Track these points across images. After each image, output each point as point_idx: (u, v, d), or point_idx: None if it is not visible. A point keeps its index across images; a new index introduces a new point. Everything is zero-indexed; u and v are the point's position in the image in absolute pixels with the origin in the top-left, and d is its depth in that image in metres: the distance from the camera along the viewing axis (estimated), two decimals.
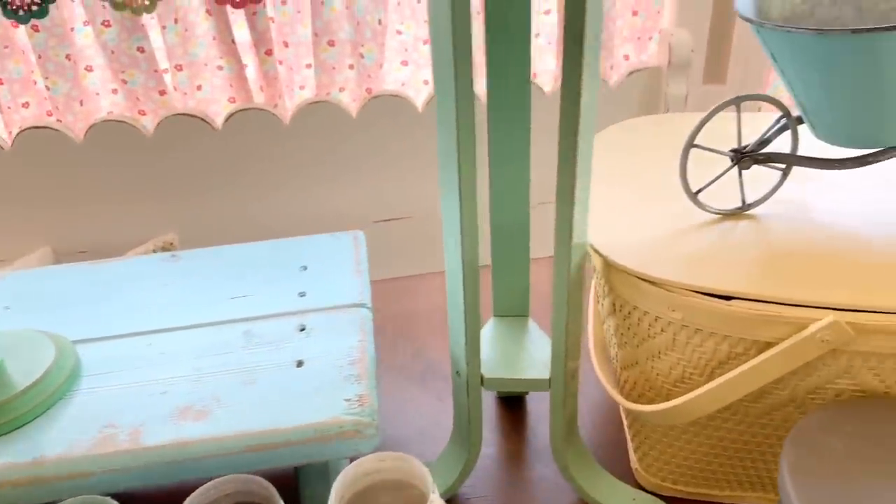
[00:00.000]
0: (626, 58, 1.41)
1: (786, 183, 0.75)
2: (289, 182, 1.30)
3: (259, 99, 1.21)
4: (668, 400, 0.72)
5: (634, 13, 1.35)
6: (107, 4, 1.02)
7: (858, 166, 0.67)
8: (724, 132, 0.75)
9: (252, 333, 0.79)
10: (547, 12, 1.39)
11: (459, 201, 0.65)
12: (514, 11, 0.69)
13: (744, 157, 0.72)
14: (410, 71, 1.62)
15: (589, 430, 0.97)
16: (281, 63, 1.21)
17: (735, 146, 0.72)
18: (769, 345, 0.64)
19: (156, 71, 1.13)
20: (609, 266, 0.71)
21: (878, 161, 0.67)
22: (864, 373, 0.64)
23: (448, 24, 0.58)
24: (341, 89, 1.27)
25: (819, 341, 0.61)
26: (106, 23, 1.07)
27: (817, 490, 0.55)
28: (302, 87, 1.28)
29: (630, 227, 0.74)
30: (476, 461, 0.85)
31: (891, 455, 0.58)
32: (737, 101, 0.70)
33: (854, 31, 0.57)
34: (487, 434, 0.97)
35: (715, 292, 0.65)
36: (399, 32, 1.47)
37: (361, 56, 1.25)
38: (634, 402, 0.78)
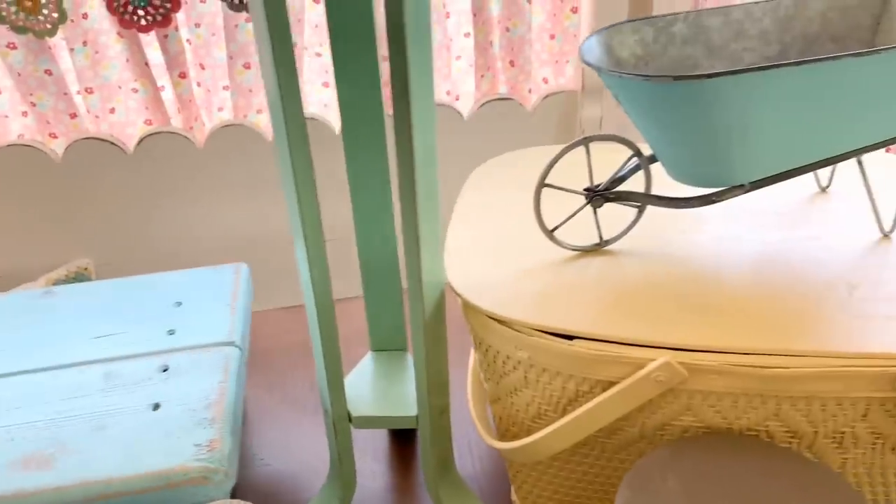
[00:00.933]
0: (545, 81, 1.43)
1: (654, 217, 0.77)
2: (204, 206, 1.29)
3: (177, 121, 1.20)
4: (529, 435, 0.72)
5: (552, 37, 1.37)
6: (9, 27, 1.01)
7: (704, 205, 0.68)
8: (610, 161, 0.76)
9: (112, 375, 0.77)
10: (467, 35, 1.40)
11: (303, 233, 0.64)
12: (360, 47, 0.69)
13: (596, 196, 0.72)
14: (332, 93, 1.62)
15: (475, 461, 0.97)
16: (199, 85, 1.20)
17: (589, 185, 0.73)
18: (612, 384, 0.64)
19: (65, 94, 1.11)
20: (465, 304, 0.71)
21: (722, 199, 0.68)
22: (706, 410, 0.65)
23: (269, 56, 0.57)
24: (258, 112, 1.26)
25: (654, 381, 0.62)
26: (11, 45, 1.05)
27: None
28: (220, 109, 1.27)
29: (490, 265, 0.74)
30: (351, 498, 0.84)
31: (725, 493, 0.59)
32: (585, 142, 0.71)
33: (676, 78, 0.59)
34: (376, 467, 0.97)
35: (558, 331, 0.65)
36: (318, 55, 1.48)
37: None
38: (503, 435, 0.78)
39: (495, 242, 0.78)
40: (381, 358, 0.86)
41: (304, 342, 1.24)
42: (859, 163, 0.72)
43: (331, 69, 1.89)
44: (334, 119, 1.40)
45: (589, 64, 0.65)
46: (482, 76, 1.44)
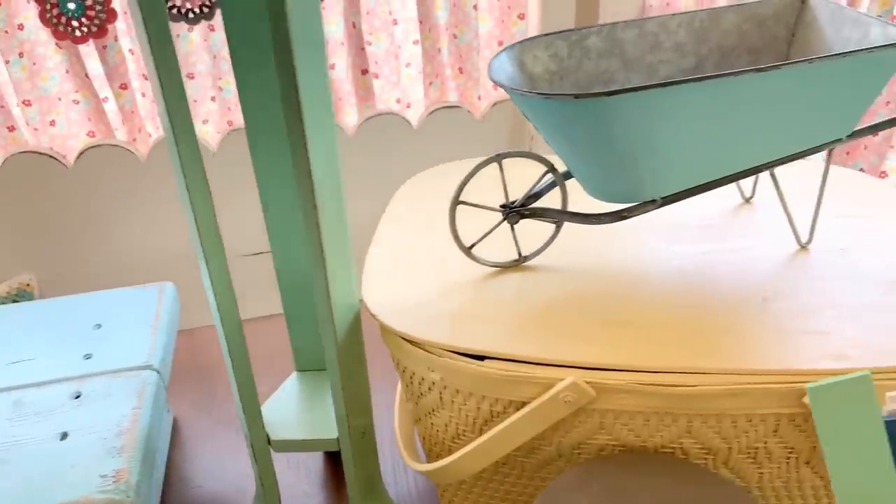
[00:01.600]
0: (495, 87, 1.43)
1: (576, 232, 0.76)
2: (148, 219, 1.27)
3: (121, 133, 1.18)
4: (450, 455, 0.71)
5: (500, 43, 1.37)
6: None
7: (615, 221, 0.68)
8: (534, 176, 0.75)
9: (22, 403, 0.75)
10: (416, 42, 1.39)
11: (203, 252, 0.63)
12: (259, 60, 0.67)
13: (511, 213, 0.72)
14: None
15: (409, 481, 0.96)
16: (144, 95, 1.18)
17: (505, 201, 0.73)
18: (524, 403, 0.63)
19: (2, 106, 1.08)
20: (381, 325, 0.70)
21: (633, 215, 0.68)
22: (619, 428, 0.64)
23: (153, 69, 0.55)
24: (204, 122, 1.24)
25: (563, 402, 0.61)
26: None
27: None
28: None
29: (408, 284, 0.73)
30: None
31: None
32: (498, 159, 0.70)
33: (577, 96, 0.58)
34: (308, 487, 0.95)
35: (469, 352, 0.64)
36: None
37: (220, 89, 1.23)
38: (428, 455, 0.77)
39: (416, 260, 0.77)
40: (305, 378, 0.85)
41: (255, 356, 1.22)
42: (772, 176, 0.72)
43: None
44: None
45: (495, 81, 0.64)
46: (431, 83, 1.43)
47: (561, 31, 0.72)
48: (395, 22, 1.43)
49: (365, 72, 1.69)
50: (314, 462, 0.98)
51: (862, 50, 0.62)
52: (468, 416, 0.68)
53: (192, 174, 0.58)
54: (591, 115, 0.59)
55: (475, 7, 1.34)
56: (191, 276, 1.20)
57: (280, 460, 0.98)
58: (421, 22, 1.35)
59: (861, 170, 1.46)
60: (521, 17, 1.35)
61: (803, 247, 0.76)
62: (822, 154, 0.73)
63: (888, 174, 1.51)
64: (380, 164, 1.59)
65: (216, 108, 1.24)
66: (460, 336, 0.65)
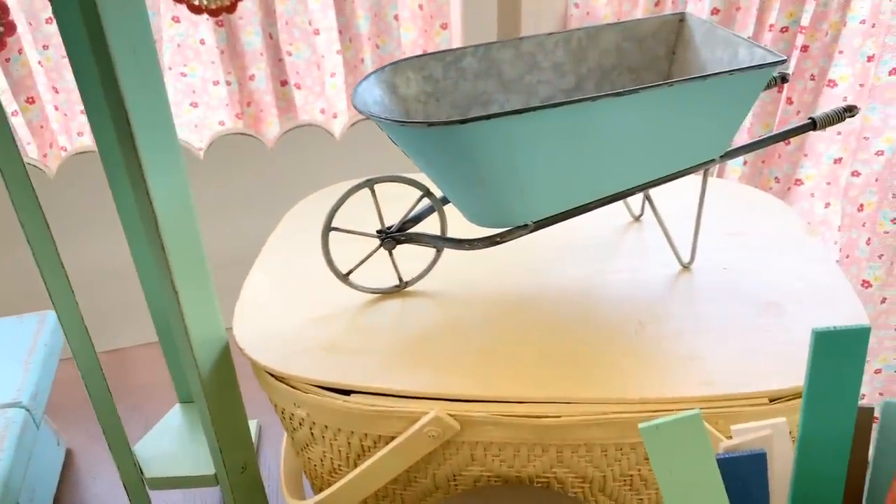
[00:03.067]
0: None
1: (461, 256, 0.75)
2: (61, 236, 1.22)
3: (32, 149, 1.14)
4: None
5: (424, 51, 1.35)
6: None
7: (488, 246, 0.67)
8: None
9: None
10: (339, 52, 1.37)
11: (46, 286, 0.59)
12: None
13: (387, 238, 0.70)
14: (203, 112, 1.56)
15: None
16: (57, 109, 1.14)
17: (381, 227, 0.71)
18: (392, 438, 0.62)
19: None
20: (249, 359, 0.67)
21: (506, 240, 0.66)
22: (491, 460, 0.63)
23: None
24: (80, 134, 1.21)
25: (427, 436, 0.59)
26: None
27: None
28: (80, 134, 1.22)
29: (283, 314, 0.71)
30: None
31: None
32: (369, 184, 0.68)
33: (430, 124, 0.56)
34: None
35: (335, 387, 0.62)
36: (184, 74, 1.43)
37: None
38: (312, 489, 0.75)
39: (296, 287, 0.75)
40: (187, 410, 0.82)
41: (136, 385, 1.18)
42: (647, 198, 0.71)
43: (199, 89, 1.83)
44: (198, 140, 1.36)
45: (355, 107, 0.62)
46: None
47: (435, 52, 0.71)
48: (316, 32, 1.40)
49: (284, 83, 1.66)
50: (212, 495, 0.95)
51: (721, 73, 0.61)
52: (340, 451, 0.66)
53: (22, 198, 0.55)
54: (447, 142, 0.58)
55: (396, 17, 1.32)
56: (115, 294, 1.16)
57: (175, 493, 0.95)
58: (341, 32, 1.33)
59: (776, 178, 1.48)
60: (444, 27, 1.34)
61: (685, 267, 0.76)
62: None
63: (803, 182, 1.54)
64: (301, 177, 1.57)
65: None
66: (327, 370, 0.63)
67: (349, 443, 0.64)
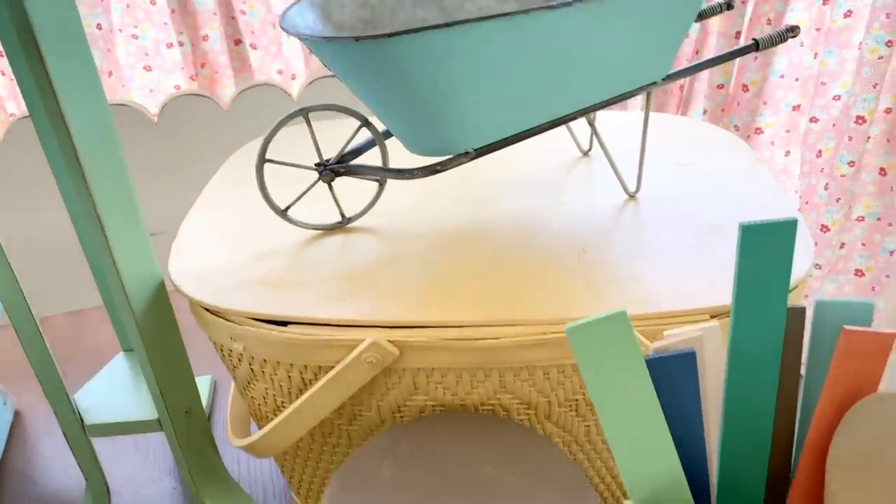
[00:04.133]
0: None
1: (408, 190, 0.73)
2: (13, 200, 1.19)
3: None
4: None
5: None
6: None
7: (429, 174, 0.65)
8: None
9: None
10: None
11: None
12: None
13: (325, 171, 0.68)
14: (156, 76, 1.53)
15: (261, 461, 0.92)
16: (3, 74, 1.11)
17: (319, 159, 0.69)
18: (332, 368, 0.60)
19: None
20: (185, 295, 0.65)
21: (447, 168, 0.65)
22: (433, 388, 0.62)
23: None
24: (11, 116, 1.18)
25: (366, 363, 0.58)
26: None
27: None
28: None
29: (221, 253, 0.69)
30: None
31: (441, 475, 0.56)
32: (303, 112, 0.66)
33: (357, 38, 0.54)
34: (156, 473, 0.91)
35: (271, 318, 0.61)
36: (135, 36, 1.40)
37: None
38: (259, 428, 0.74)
39: (234, 227, 0.73)
40: (129, 358, 0.80)
41: (91, 346, 1.15)
42: (590, 124, 0.70)
43: (152, 51, 1.78)
44: (154, 105, 1.33)
45: (283, 28, 0.60)
46: (311, 53, 1.40)
47: None
48: None
49: (238, 42, 1.63)
50: (163, 446, 0.94)
51: None
52: (282, 387, 0.64)
53: None
54: (378, 61, 0.56)
55: None
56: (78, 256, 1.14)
57: (127, 445, 0.93)
58: None
59: (735, 126, 1.48)
60: None
61: (632, 196, 0.75)
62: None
63: (763, 130, 1.54)
64: (256, 136, 1.54)
65: None
66: (263, 303, 0.62)
67: (290, 377, 0.63)
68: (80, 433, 0.71)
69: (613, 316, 0.42)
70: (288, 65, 1.88)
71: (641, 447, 0.44)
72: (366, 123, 0.68)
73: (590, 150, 0.84)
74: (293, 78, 1.81)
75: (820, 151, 1.45)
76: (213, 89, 1.74)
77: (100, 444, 0.92)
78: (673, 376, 0.43)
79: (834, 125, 1.42)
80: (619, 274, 0.63)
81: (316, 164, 0.69)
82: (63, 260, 1.26)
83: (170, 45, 1.71)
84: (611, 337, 0.42)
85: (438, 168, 0.65)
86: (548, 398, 0.63)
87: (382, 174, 0.67)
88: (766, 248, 0.42)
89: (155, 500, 0.86)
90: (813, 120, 1.45)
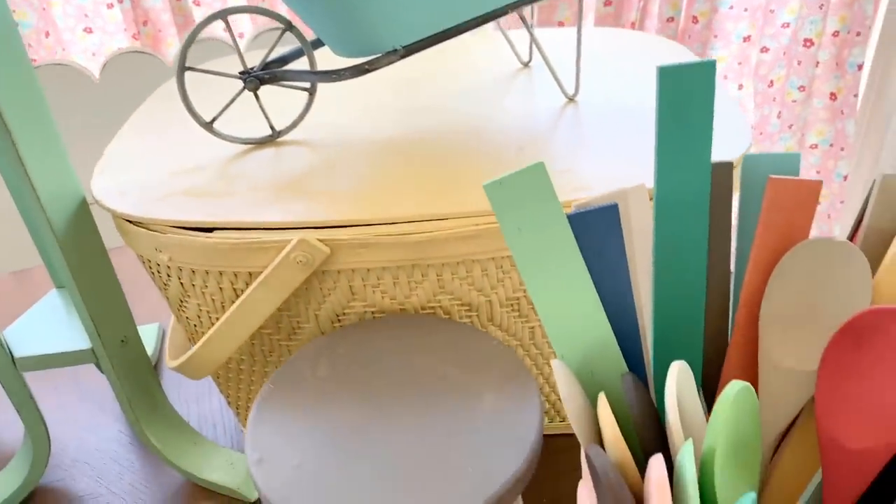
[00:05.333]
0: None
1: (346, 100, 0.71)
2: None
3: None
4: None
5: None
6: None
7: (357, 74, 0.63)
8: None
9: None
10: None
11: None
12: None
13: (249, 78, 0.66)
14: (98, 38, 1.49)
15: (219, 397, 0.90)
16: None
17: (247, 67, 0.67)
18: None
19: None
20: (110, 211, 0.63)
21: (375, 68, 0.63)
22: (371, 292, 0.60)
23: None
24: None
25: (296, 262, 0.56)
26: None
27: (274, 431, 0.51)
28: None
29: (146, 168, 0.66)
30: (46, 455, 0.75)
31: (378, 372, 0.54)
32: (222, 15, 0.64)
33: None
34: (102, 418, 0.88)
35: (196, 225, 0.58)
36: None
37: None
38: None
39: (162, 144, 0.70)
40: (63, 295, 0.77)
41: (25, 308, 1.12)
42: (529, 31, 0.68)
43: (91, 12, 1.72)
44: (97, 70, 1.29)
45: None
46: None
47: None
48: None
49: None
50: (107, 391, 0.91)
51: None
52: (214, 301, 0.62)
53: None
54: None
55: None
56: None
57: (71, 390, 0.91)
58: None
59: None
60: None
61: (571, 99, 0.73)
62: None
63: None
64: None
65: None
66: (187, 211, 0.59)
67: (221, 288, 0.61)
68: (10, 368, 0.68)
69: (531, 168, 0.40)
70: (234, 21, 1.83)
71: (568, 308, 0.42)
72: (290, 27, 0.66)
73: (530, 61, 0.82)
74: (241, 36, 1.77)
75: (772, 81, 1.45)
76: (156, 48, 1.69)
77: (40, 392, 0.89)
78: (596, 231, 0.42)
79: (784, 53, 1.42)
80: (556, 166, 0.62)
81: (240, 73, 0.66)
82: (5, 219, 1.22)
83: (110, 6, 1.66)
84: (530, 191, 0.40)
85: (367, 67, 0.63)
86: (488, 298, 0.62)
87: (310, 78, 0.65)
88: (685, 92, 0.41)
89: (101, 445, 0.84)
90: (763, 50, 1.45)
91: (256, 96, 0.67)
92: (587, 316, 0.42)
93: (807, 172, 1.42)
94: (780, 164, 0.45)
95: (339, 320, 0.63)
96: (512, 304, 0.62)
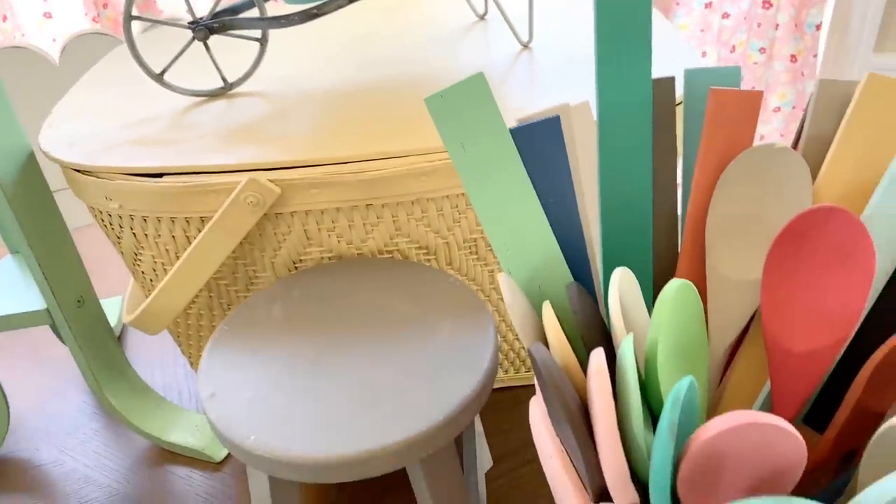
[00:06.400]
0: None
1: (300, 54, 0.70)
2: None
3: None
4: None
5: None
6: None
7: (307, 20, 0.62)
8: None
9: None
10: None
11: None
12: None
13: (198, 27, 0.65)
14: (57, 24, 1.46)
15: (183, 361, 0.89)
16: None
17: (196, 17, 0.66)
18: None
19: None
20: (60, 163, 0.62)
21: (324, 12, 0.62)
22: (326, 236, 0.60)
23: None
24: None
25: (246, 204, 0.56)
26: None
27: (222, 365, 0.50)
28: None
29: (96, 119, 0.65)
30: (6, 422, 0.74)
31: (334, 311, 0.54)
32: None
33: None
34: (59, 383, 0.87)
35: (145, 172, 0.58)
36: None
37: None
38: None
39: (111, 102, 0.69)
40: (18, 260, 0.76)
41: None
42: None
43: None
44: (58, 53, 1.26)
45: None
46: None
47: None
48: None
49: None
50: (69, 360, 0.90)
51: None
52: (168, 251, 0.61)
53: None
54: None
55: None
56: None
57: (32, 363, 0.90)
58: None
59: None
60: None
61: (525, 46, 0.73)
62: None
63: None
64: None
65: None
66: (137, 159, 0.58)
67: (173, 237, 0.60)
68: None
69: (471, 79, 0.40)
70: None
71: (513, 223, 0.42)
72: None
73: (485, 14, 0.82)
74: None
75: (734, 47, 1.46)
76: (117, 30, 1.67)
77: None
78: (539, 145, 0.42)
79: (745, 18, 1.43)
80: (509, 105, 0.61)
81: (189, 23, 0.65)
82: None
83: None
84: (471, 102, 0.40)
85: (316, 12, 0.62)
86: (445, 239, 0.61)
87: (259, 25, 0.64)
88: (622, 12, 0.41)
89: (64, 415, 0.83)
90: (725, 16, 1.46)
91: (207, 46, 0.66)
92: (533, 230, 0.42)
93: (772, 136, 1.43)
94: (722, 77, 0.45)
95: (295, 268, 0.62)
96: (469, 247, 0.62)
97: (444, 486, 0.46)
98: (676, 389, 0.30)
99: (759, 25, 1.37)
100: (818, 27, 1.32)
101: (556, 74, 0.67)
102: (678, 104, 0.57)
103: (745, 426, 0.29)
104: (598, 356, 0.33)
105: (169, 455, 0.76)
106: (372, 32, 0.82)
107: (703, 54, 1.55)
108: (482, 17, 0.82)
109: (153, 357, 0.90)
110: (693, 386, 0.31)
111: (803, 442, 0.30)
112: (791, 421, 0.41)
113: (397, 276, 0.57)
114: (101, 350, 0.72)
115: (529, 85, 0.65)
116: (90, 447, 0.78)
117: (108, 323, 0.72)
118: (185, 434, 0.75)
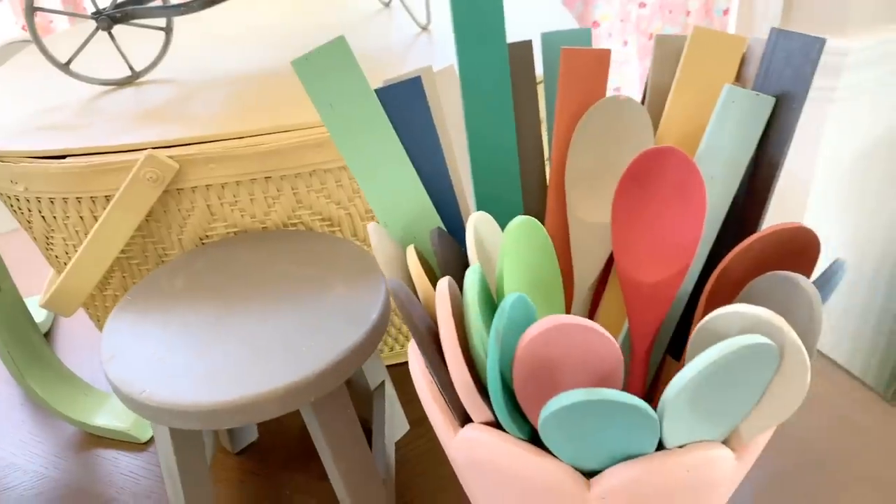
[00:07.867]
0: None
1: (205, 44, 0.72)
2: None
3: None
4: None
5: None
6: None
7: (207, 6, 0.65)
8: None
9: None
10: None
11: None
12: None
13: (101, 17, 0.67)
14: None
15: None
16: None
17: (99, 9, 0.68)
18: None
19: None
20: None
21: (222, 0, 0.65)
22: (229, 211, 0.62)
23: None
24: None
25: (146, 180, 0.58)
26: None
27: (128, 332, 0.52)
28: None
29: (5, 112, 0.67)
30: None
31: (235, 282, 0.56)
32: None
33: None
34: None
35: (48, 154, 0.59)
36: None
37: None
38: None
39: (25, 92, 0.71)
40: None
41: None
42: None
43: None
44: None
45: None
46: None
47: None
48: None
49: None
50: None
51: None
52: (77, 232, 0.63)
53: None
54: None
55: None
56: None
57: None
58: None
59: None
60: None
61: (424, 28, 0.77)
62: None
63: (600, 23, 1.59)
64: None
65: None
66: (41, 142, 0.60)
67: (81, 217, 0.62)
68: None
69: (334, 42, 0.43)
70: None
71: (385, 180, 0.45)
72: None
73: (389, 2, 0.85)
74: None
75: (651, 34, 1.52)
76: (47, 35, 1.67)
77: None
78: (404, 104, 0.45)
79: (661, 6, 1.49)
80: None
81: (92, 14, 0.67)
82: None
83: None
84: (335, 64, 0.43)
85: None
86: (347, 210, 0.64)
87: (161, 13, 0.66)
88: None
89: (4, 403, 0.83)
90: (641, 5, 1.52)
91: (111, 36, 0.68)
92: (405, 186, 0.46)
93: None
94: (574, 38, 0.49)
95: (202, 243, 0.65)
96: (372, 216, 0.65)
97: (338, 429, 0.49)
98: (504, 301, 0.34)
99: (670, 12, 1.43)
100: (725, 12, 1.39)
101: (452, 51, 0.70)
102: None
103: (559, 326, 0.32)
104: (442, 283, 0.36)
105: (96, 439, 0.77)
106: (277, 22, 0.84)
107: (625, 43, 1.61)
108: (387, 5, 0.85)
109: (83, 349, 0.91)
110: (522, 301, 0.35)
111: (616, 344, 0.33)
112: (648, 349, 0.45)
113: (299, 246, 0.60)
114: (21, 338, 0.73)
115: (426, 63, 0.68)
116: (17, 436, 0.79)
117: (27, 312, 0.73)
118: (110, 417, 0.76)
